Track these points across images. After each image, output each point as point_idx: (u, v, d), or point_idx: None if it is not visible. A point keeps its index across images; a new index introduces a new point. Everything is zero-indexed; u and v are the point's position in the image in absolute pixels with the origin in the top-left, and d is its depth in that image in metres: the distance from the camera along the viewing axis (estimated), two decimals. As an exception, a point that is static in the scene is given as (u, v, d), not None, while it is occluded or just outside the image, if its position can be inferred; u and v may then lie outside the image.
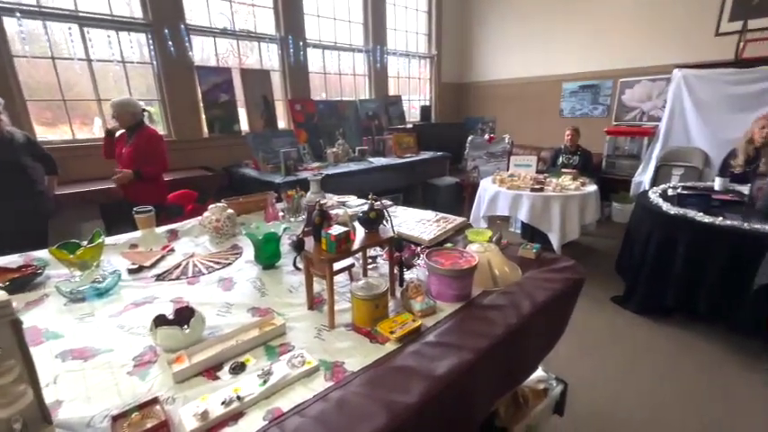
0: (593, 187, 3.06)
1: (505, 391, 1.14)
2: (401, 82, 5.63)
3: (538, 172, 3.68)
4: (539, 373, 1.53)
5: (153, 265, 1.39)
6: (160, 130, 3.47)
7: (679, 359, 2.10)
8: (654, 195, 2.53)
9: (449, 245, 1.48)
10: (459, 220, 1.67)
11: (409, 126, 5.30)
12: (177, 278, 1.31)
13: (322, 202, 1.51)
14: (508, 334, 0.95)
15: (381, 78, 5.19)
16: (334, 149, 4.02)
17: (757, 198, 2.20)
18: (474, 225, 3.46)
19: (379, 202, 1.12)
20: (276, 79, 4.26)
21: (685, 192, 2.40)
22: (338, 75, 4.89)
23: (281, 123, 4.36)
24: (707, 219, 2.07)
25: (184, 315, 0.95)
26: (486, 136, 4.50)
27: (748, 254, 1.90)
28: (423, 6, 5.65)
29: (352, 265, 1.18)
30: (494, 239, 1.46)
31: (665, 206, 2.32)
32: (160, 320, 0.92)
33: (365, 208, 1.10)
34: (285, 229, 1.45)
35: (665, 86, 4.01)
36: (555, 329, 1.25)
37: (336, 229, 0.96)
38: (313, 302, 1.10)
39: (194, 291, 1.22)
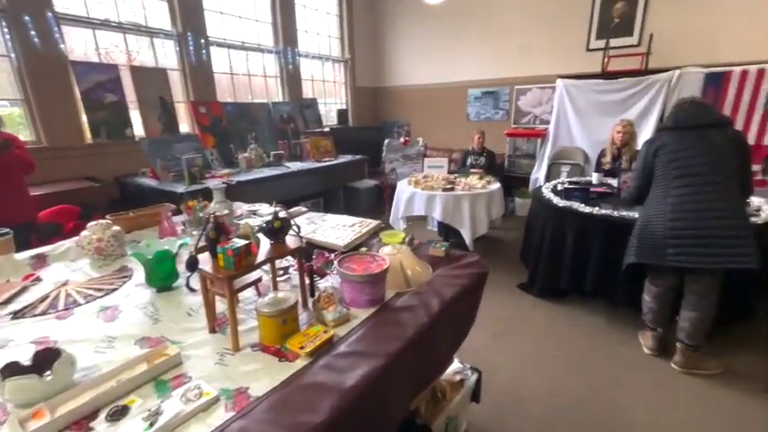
0: (497, 185, 3.34)
1: (422, 389, 1.17)
2: (316, 85, 5.55)
3: (449, 173, 3.90)
4: (455, 365, 1.61)
5: (8, 301, 1.15)
6: (23, 135, 2.93)
7: (572, 334, 2.38)
8: (546, 190, 2.84)
9: (364, 249, 1.48)
10: (374, 223, 1.68)
11: (326, 129, 5.24)
12: (43, 313, 1.10)
13: (224, 212, 1.40)
14: (419, 334, 0.97)
15: (295, 80, 5.05)
16: (247, 154, 3.80)
17: (622, 189, 2.60)
18: (394, 226, 3.56)
19: (284, 211, 1.06)
20: (175, 79, 3.89)
21: (570, 186, 2.74)
22: (247, 76, 4.64)
23: (184, 127, 3.99)
24: (587, 209, 2.38)
25: (46, 358, 0.79)
26: (402, 139, 4.64)
27: (619, 238, 2.22)
28: (333, 10, 5.65)
29: (260, 280, 1.11)
30: (406, 240, 1.49)
31: (555, 200, 2.62)
32: (10, 369, 0.76)
33: (285, 215, 1.04)
34: (182, 245, 1.31)
35: (552, 94, 4.55)
36: (465, 322, 1.31)
37: (235, 243, 0.89)
38: (215, 325, 1.00)
39: (66, 326, 1.03)
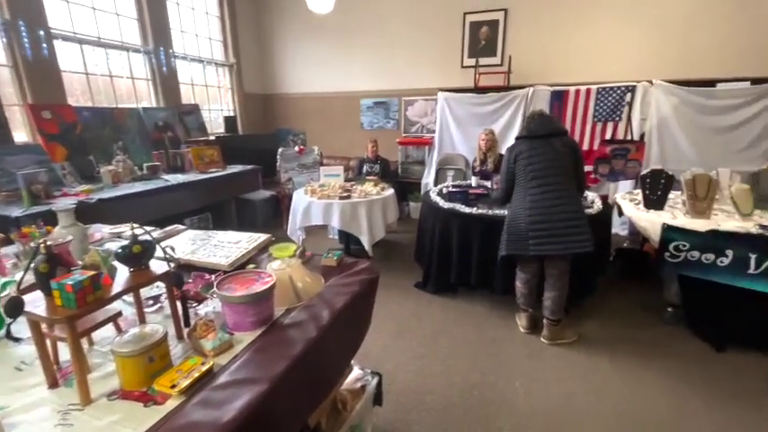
0: (390, 191, 3.49)
1: (319, 403, 1.14)
2: (199, 90, 5.09)
3: (346, 180, 3.95)
4: (355, 372, 1.61)
5: None
6: None
7: (463, 325, 2.61)
8: (433, 194, 3.07)
9: (251, 266, 1.39)
10: (263, 237, 1.60)
11: (212, 138, 4.84)
12: None
13: (68, 238, 1.18)
14: (309, 349, 0.95)
15: (171, 84, 4.55)
16: (112, 167, 3.29)
17: (495, 190, 2.96)
18: (292, 238, 3.45)
19: (144, 232, 0.94)
20: (4, 77, 3.17)
21: (453, 190, 3.01)
22: (109, 77, 4.02)
23: (21, 136, 3.27)
24: (467, 210, 2.65)
25: None
26: (297, 148, 4.55)
27: (495, 234, 2.51)
28: (214, 11, 5.27)
29: (119, 314, 0.96)
30: (297, 253, 1.45)
31: (441, 202, 2.84)
32: None
33: (147, 237, 0.90)
34: (5, 285, 1.06)
35: (435, 105, 4.95)
36: (360, 328, 1.33)
37: (75, 277, 0.75)
38: (56, 377, 0.83)
39: None
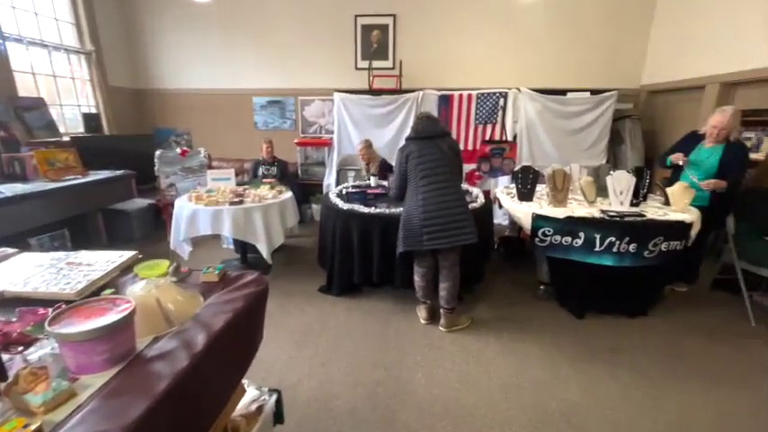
0: (288, 194, 3.35)
1: (200, 439, 1.01)
2: (45, 82, 4.20)
3: (240, 184, 3.67)
4: (250, 393, 1.49)
5: None
6: None
7: (367, 323, 2.63)
8: (333, 195, 3.04)
9: (108, 291, 1.17)
10: (126, 256, 1.37)
11: (66, 139, 4.05)
12: None
13: None
14: (178, 382, 0.82)
15: (1, 73, 3.66)
16: None
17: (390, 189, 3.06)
18: (178, 251, 3.07)
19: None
20: None
21: (352, 190, 3.01)
22: None
23: None
24: (365, 210, 2.67)
25: None
26: (179, 149, 4.07)
27: (393, 232, 2.58)
28: (60, -14, 4.40)
29: None
30: (170, 270, 1.27)
31: (340, 203, 2.82)
32: None
33: None
34: None
35: (332, 106, 4.91)
36: (247, 347, 1.22)
37: None
38: None
39: None
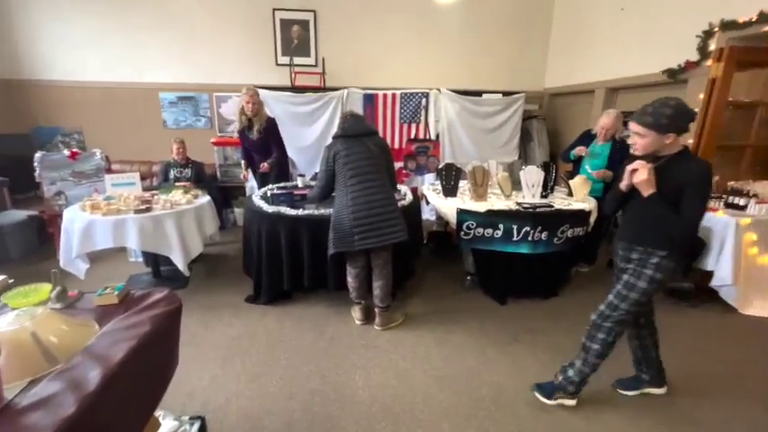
0: (205, 198, 3.08)
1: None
2: None
3: (148, 189, 3.28)
4: (168, 425, 1.33)
5: None
6: None
7: (300, 331, 2.52)
8: (256, 198, 2.85)
9: (-37, 329, 0.94)
10: (-10, 282, 1.11)
11: None
12: None
13: None
14: (64, 433, 0.68)
15: None
16: None
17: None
18: (70, 270, 2.63)
19: None
20: None
21: (277, 192, 2.86)
22: None
23: None
24: (292, 212, 2.56)
25: None
26: (67, 151, 3.50)
27: (324, 233, 2.50)
28: None
29: None
30: (53, 295, 1.06)
31: (265, 206, 2.66)
32: None
33: None
34: None
35: (252, 103, 4.63)
36: (158, 375, 1.07)
37: None
38: None
39: None
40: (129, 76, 4.66)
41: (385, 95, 4.49)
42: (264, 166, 3.44)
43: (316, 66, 4.79)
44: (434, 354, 2.31)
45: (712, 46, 3.06)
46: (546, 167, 3.09)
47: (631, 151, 1.62)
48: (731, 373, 2.17)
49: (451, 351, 2.34)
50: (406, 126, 4.60)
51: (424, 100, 4.50)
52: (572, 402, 1.88)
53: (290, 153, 4.54)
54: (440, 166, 3.18)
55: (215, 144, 4.62)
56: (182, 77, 4.73)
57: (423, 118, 4.56)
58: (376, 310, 2.52)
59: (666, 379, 2.00)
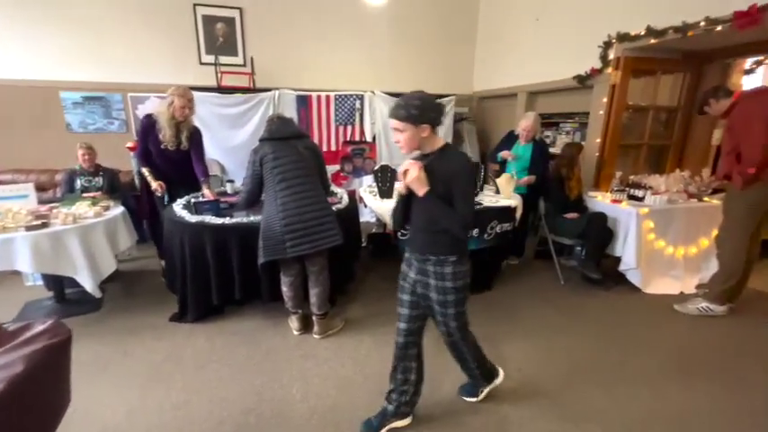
0: (118, 209, 2.78)
1: None
2: None
3: (48, 202, 2.89)
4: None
5: None
6: None
7: (233, 346, 2.36)
8: (178, 207, 2.63)
9: None
10: None
11: None
12: None
13: None
14: None
15: None
16: None
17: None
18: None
19: None
20: None
21: (200, 200, 2.66)
22: None
23: None
24: (218, 220, 2.39)
25: None
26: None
27: (253, 241, 2.37)
28: None
29: None
30: None
31: (188, 216, 2.46)
32: None
33: None
34: None
35: (173, 104, 4.28)
36: (41, 417, 0.92)
37: None
38: None
39: None
40: (22, 73, 4.07)
41: (319, 97, 4.41)
42: (207, 194, 2.82)
43: (244, 65, 4.57)
44: (375, 356, 2.29)
45: (611, 55, 3.42)
46: (476, 167, 3.23)
47: (402, 152, 1.52)
48: (634, 349, 2.43)
49: (390, 351, 2.32)
50: (341, 128, 4.56)
51: (358, 102, 4.49)
52: (496, 382, 1.94)
53: (219, 157, 4.29)
54: (375, 168, 3.19)
55: (132, 149, 4.19)
56: (88, 75, 4.23)
57: (358, 120, 4.55)
58: (314, 318, 2.44)
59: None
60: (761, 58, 4.28)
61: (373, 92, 4.56)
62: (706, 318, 2.75)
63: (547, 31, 4.21)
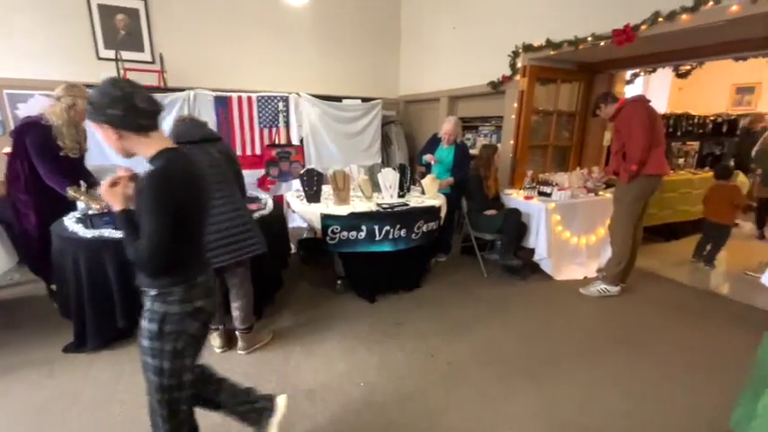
0: (-10, 227, 2.35)
1: None
2: None
3: None
4: None
5: None
6: None
7: (140, 375, 2.12)
8: (69, 221, 2.30)
9: None
10: None
11: None
12: None
13: None
14: None
15: None
16: None
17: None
18: None
19: None
20: None
21: (95, 213, 2.35)
22: None
23: None
24: (120, 234, 2.13)
25: None
26: None
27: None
28: None
29: None
30: None
31: (82, 231, 2.16)
32: None
33: None
34: None
35: (65, 104, 3.75)
36: None
37: None
38: None
39: None
40: None
41: (240, 98, 4.18)
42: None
43: (153, 62, 4.17)
44: (305, 367, 2.22)
45: (519, 64, 3.72)
46: (401, 169, 3.30)
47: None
48: (551, 334, 2.66)
49: (324, 360, 2.28)
50: (266, 131, 4.36)
51: (281, 104, 4.34)
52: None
53: (127, 163, 3.85)
54: (301, 172, 3.10)
55: (8, 155, 3.59)
56: (-53, 68, 3.55)
57: (282, 122, 4.40)
58: (237, 333, 2.29)
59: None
60: (637, 71, 4.99)
61: (299, 94, 4.44)
62: (605, 298, 3.11)
63: (464, 40, 4.46)
